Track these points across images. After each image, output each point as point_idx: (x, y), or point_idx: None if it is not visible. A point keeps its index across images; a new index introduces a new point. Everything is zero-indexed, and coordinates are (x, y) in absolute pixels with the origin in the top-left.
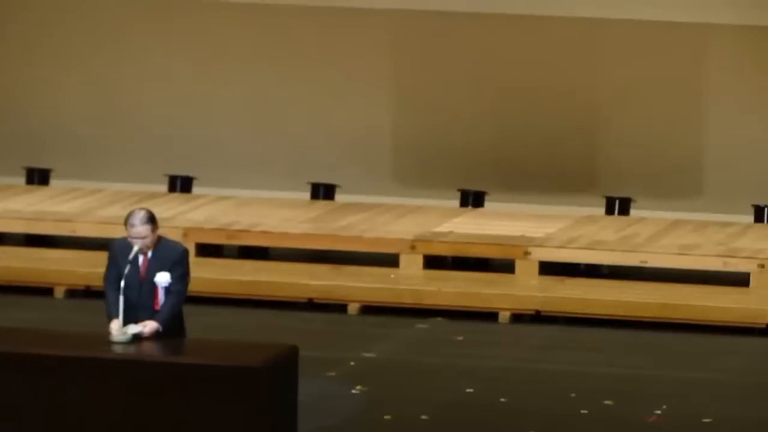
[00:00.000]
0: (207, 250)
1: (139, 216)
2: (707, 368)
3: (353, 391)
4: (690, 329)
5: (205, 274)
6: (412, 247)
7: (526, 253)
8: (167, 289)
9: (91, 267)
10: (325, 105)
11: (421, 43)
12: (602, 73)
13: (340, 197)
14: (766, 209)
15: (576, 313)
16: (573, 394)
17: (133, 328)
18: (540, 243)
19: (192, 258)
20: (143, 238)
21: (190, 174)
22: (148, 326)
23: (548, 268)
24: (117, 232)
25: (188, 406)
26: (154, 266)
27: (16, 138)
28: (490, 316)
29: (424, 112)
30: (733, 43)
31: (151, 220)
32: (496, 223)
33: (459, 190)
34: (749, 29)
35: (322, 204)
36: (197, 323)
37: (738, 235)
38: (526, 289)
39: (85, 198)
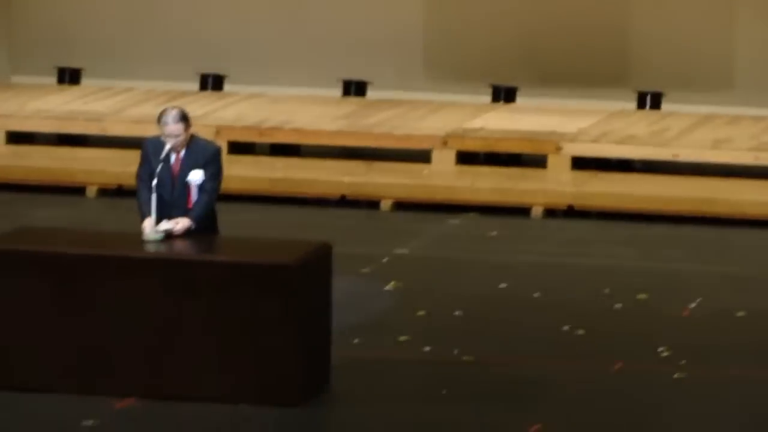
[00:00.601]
0: (239, 148)
1: (172, 114)
2: (740, 262)
3: (386, 288)
4: (723, 223)
5: (238, 172)
6: (444, 143)
7: (558, 148)
8: (200, 188)
9: (123, 166)
10: (357, 1)
11: None
12: None
13: (371, 94)
14: None
15: (609, 208)
16: (607, 289)
17: (166, 226)
18: (572, 138)
19: (224, 156)
20: (176, 136)
21: (222, 72)
22: (181, 223)
23: (580, 163)
24: (149, 131)
25: (222, 304)
26: (187, 165)
27: (48, 38)
28: (523, 211)
29: (456, 7)
30: None
31: (184, 118)
32: (527, 119)
33: (491, 85)
34: None
35: (353, 100)
36: (230, 221)
37: None
38: (559, 184)
39: (117, 97)
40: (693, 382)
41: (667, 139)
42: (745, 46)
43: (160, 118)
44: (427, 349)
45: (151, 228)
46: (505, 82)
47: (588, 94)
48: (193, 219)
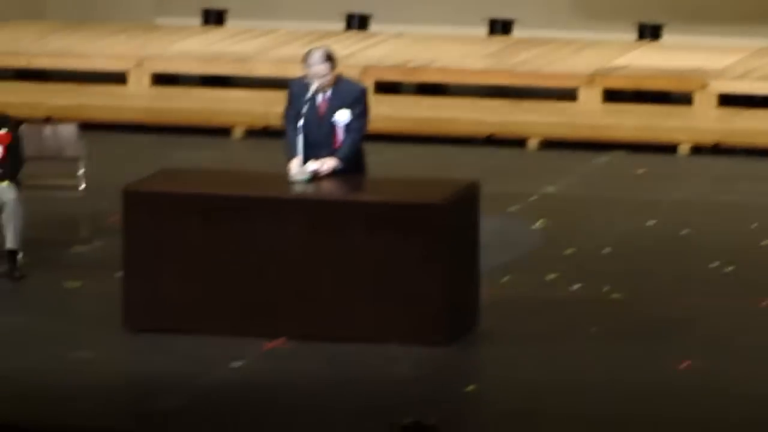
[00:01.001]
0: (385, 88)
1: (318, 54)
2: None
3: (534, 226)
4: None
5: (384, 112)
6: (591, 81)
7: (704, 86)
8: (346, 128)
9: (268, 107)
10: None
11: None
12: None
13: (517, 32)
14: None
15: (756, 145)
16: (754, 225)
17: (312, 166)
18: (718, 75)
19: (370, 96)
20: (321, 76)
21: (367, 11)
22: (327, 164)
23: (726, 100)
24: (294, 71)
25: (370, 243)
26: (333, 105)
27: None
28: (669, 148)
29: None
30: None
31: (330, 58)
32: (673, 56)
33: (636, 23)
34: None
35: (499, 39)
36: (377, 161)
37: None
38: (705, 120)
39: (262, 37)
40: None
41: None
42: None
43: (305, 59)
44: (576, 287)
45: (297, 168)
46: (651, 19)
47: (734, 32)
48: (340, 159)
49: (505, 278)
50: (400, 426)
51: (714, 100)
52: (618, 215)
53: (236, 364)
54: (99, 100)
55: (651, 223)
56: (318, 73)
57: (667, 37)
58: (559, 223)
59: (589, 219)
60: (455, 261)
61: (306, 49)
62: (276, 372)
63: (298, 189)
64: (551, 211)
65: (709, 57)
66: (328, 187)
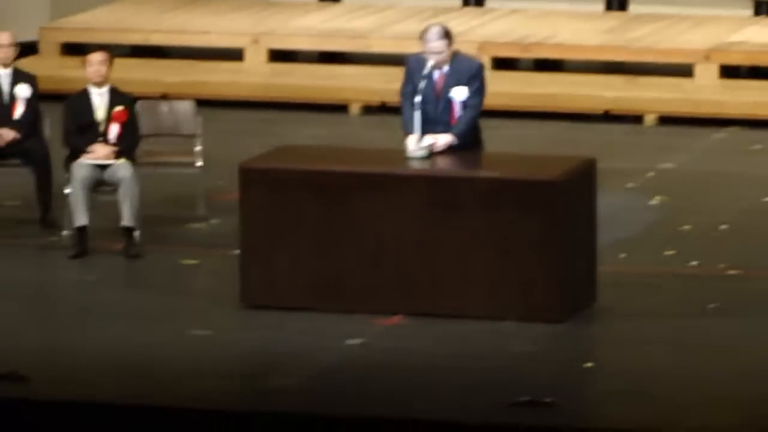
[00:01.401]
0: (502, 64)
1: (435, 31)
2: None
3: (651, 202)
4: None
5: (501, 88)
6: (707, 57)
7: None
8: (463, 104)
9: (386, 83)
10: None
11: None
12: None
13: (633, 8)
14: None
15: None
16: None
17: (427, 140)
18: None
19: (487, 72)
20: (438, 53)
21: None
22: (442, 139)
23: None
24: (412, 48)
25: (486, 219)
26: (450, 81)
27: None
28: None
29: None
30: None
31: (447, 35)
32: None
33: None
34: None
35: (615, 15)
36: (493, 137)
37: None
38: None
39: (379, 14)
40: None
41: None
42: None
43: (422, 35)
44: (693, 263)
45: (414, 144)
46: None
47: None
48: (456, 135)
49: (622, 255)
50: (517, 402)
51: None
52: (735, 191)
53: (353, 341)
54: (216, 77)
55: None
56: (434, 50)
57: None
58: (675, 199)
59: (706, 195)
60: (572, 238)
61: (423, 26)
62: (392, 349)
63: (415, 165)
64: (668, 187)
65: None
66: (445, 164)
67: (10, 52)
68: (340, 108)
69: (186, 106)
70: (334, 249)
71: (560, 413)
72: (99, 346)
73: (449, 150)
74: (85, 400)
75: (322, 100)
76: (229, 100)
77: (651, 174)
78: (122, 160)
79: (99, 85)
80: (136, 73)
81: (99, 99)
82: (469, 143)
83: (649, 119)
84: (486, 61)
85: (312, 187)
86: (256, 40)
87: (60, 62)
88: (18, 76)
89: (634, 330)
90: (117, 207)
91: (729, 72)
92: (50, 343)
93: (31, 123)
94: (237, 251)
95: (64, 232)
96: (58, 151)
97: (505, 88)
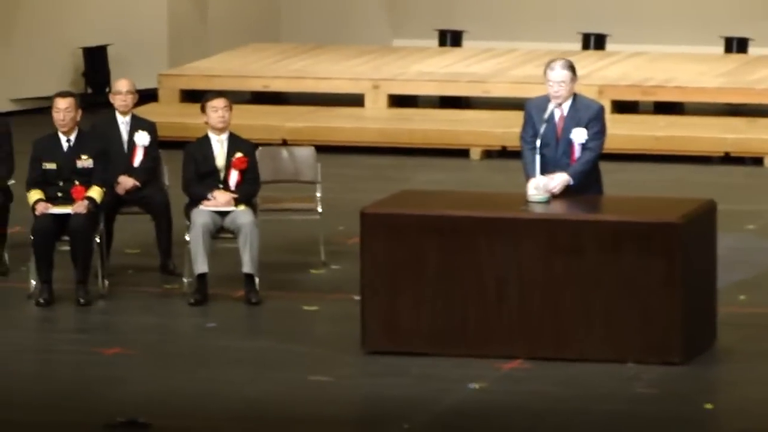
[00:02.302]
0: (622, 107)
1: (560, 62)
2: None
3: None
4: None
5: (621, 131)
6: None
7: None
8: (583, 146)
9: (506, 127)
10: None
11: None
12: None
13: (753, 50)
14: None
15: None
16: None
17: (542, 180)
18: None
19: (607, 115)
20: (560, 82)
21: (604, 31)
22: (557, 179)
23: None
24: (531, 92)
25: (607, 262)
26: (570, 123)
27: (429, 1)
28: None
29: None
30: None
31: (571, 68)
32: None
33: None
34: None
35: (735, 57)
36: (614, 180)
37: None
38: None
39: (499, 58)
40: None
41: None
42: None
43: (547, 66)
44: None
45: (535, 188)
46: None
47: None
48: (571, 174)
49: (742, 296)
50: None
51: None
52: None
53: (474, 385)
54: (336, 123)
55: None
56: (558, 78)
57: None
58: None
59: None
60: (692, 279)
61: (542, 69)
62: (514, 393)
63: (536, 209)
64: None
65: None
66: (566, 207)
67: (129, 100)
68: (461, 153)
69: (306, 153)
70: (455, 293)
71: None
72: (220, 392)
73: (569, 194)
74: None
75: (442, 145)
76: (349, 145)
77: None
78: (242, 207)
79: (219, 131)
80: (257, 119)
81: (219, 146)
82: (588, 186)
83: None
84: (606, 104)
85: (433, 232)
86: (377, 85)
87: (179, 109)
88: (137, 124)
89: (753, 371)
90: (237, 254)
91: None
92: (171, 390)
93: (150, 170)
94: (357, 297)
95: (185, 279)
96: (178, 198)
97: (625, 131)
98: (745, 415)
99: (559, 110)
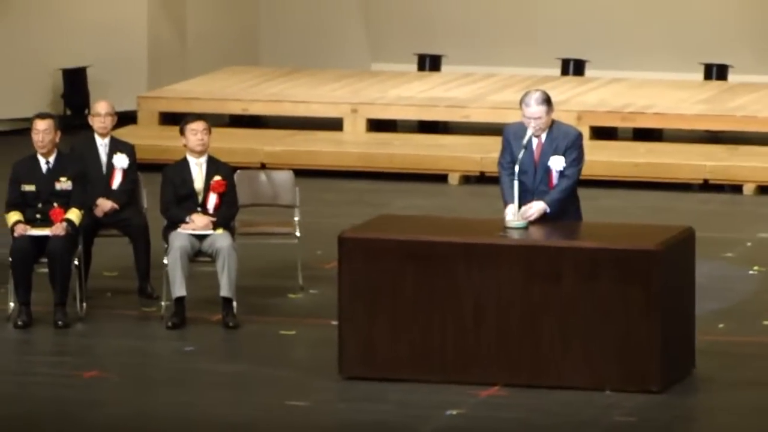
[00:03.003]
0: (601, 133)
1: (535, 96)
2: None
3: (750, 272)
4: None
5: (600, 157)
6: None
7: None
8: (561, 173)
9: (484, 152)
10: None
11: None
12: None
13: (733, 77)
14: None
15: None
16: None
17: (520, 210)
18: None
19: (586, 141)
20: (537, 118)
21: (583, 57)
22: (534, 208)
23: None
24: (510, 117)
25: (586, 289)
26: (548, 150)
27: (408, 25)
28: None
29: None
30: None
31: (547, 101)
32: None
33: None
34: None
35: (715, 84)
36: (592, 206)
37: None
38: None
39: (478, 83)
40: None
41: None
42: None
43: (522, 100)
44: None
45: (513, 215)
46: None
47: None
48: (548, 203)
49: (721, 324)
50: None
51: None
52: None
53: (452, 412)
54: (315, 146)
55: None
56: (533, 115)
57: None
58: None
59: None
60: (671, 306)
61: (520, 95)
62: (492, 420)
63: (514, 235)
64: (767, 257)
65: None
66: (544, 234)
67: (108, 122)
68: (440, 177)
69: (285, 176)
70: (433, 319)
71: None
72: (197, 416)
73: (548, 220)
74: None
75: (421, 169)
76: (328, 169)
77: (750, 243)
78: (220, 231)
79: (198, 154)
80: (235, 143)
81: (198, 169)
82: (567, 213)
83: (749, 188)
84: (585, 130)
85: (411, 257)
86: (355, 109)
87: (158, 132)
88: (116, 146)
89: (732, 399)
90: (215, 277)
91: None
92: (148, 413)
93: (129, 193)
94: (335, 322)
95: (163, 303)
96: (156, 221)
97: (604, 158)
98: None
99: (536, 137)
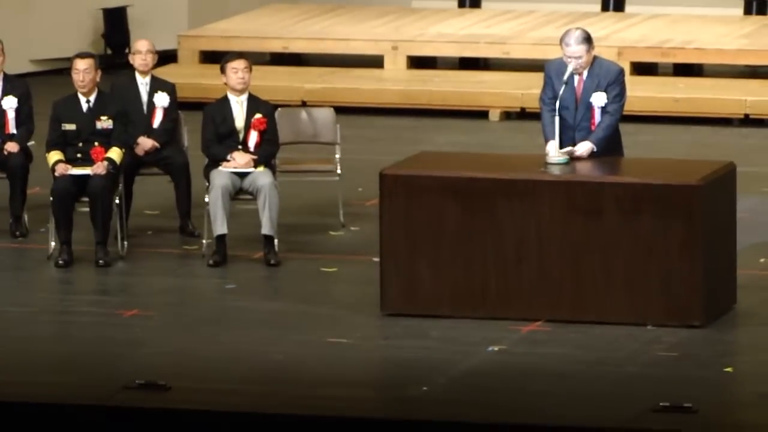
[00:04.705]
0: (641, 69)
1: (575, 36)
2: None
3: None
4: None
5: (640, 93)
6: None
7: None
8: (603, 109)
9: (525, 89)
10: None
11: None
12: None
13: None
14: None
15: None
16: None
17: (567, 150)
18: None
19: (627, 77)
20: (578, 58)
21: None
22: (582, 148)
23: None
24: (551, 53)
25: (626, 224)
26: (590, 86)
27: None
28: None
29: None
30: None
31: (587, 39)
32: None
33: None
34: None
35: (755, 19)
36: (633, 142)
37: None
38: None
39: (518, 19)
40: None
41: None
42: None
43: (562, 39)
44: None
45: (554, 150)
46: None
47: None
48: (595, 142)
49: (762, 259)
50: (657, 408)
51: None
52: None
53: (493, 348)
54: (355, 84)
55: None
56: (574, 54)
57: None
58: None
59: None
60: (712, 242)
61: (561, 31)
62: (532, 355)
63: (555, 171)
64: None
65: None
66: (585, 169)
67: (149, 59)
68: (480, 114)
69: (325, 114)
70: (475, 256)
71: (701, 418)
72: (238, 354)
73: (590, 156)
74: (225, 409)
75: (461, 106)
76: (368, 107)
77: None
78: (261, 168)
79: (239, 93)
80: (276, 80)
81: (238, 107)
82: (609, 148)
83: None
84: (625, 66)
85: (452, 194)
86: (396, 47)
87: (199, 70)
88: (157, 85)
89: None
90: (256, 215)
91: None
92: (190, 352)
93: (169, 131)
94: (377, 259)
95: (204, 241)
96: (197, 160)
97: (645, 93)
98: (765, 378)
99: (578, 75)
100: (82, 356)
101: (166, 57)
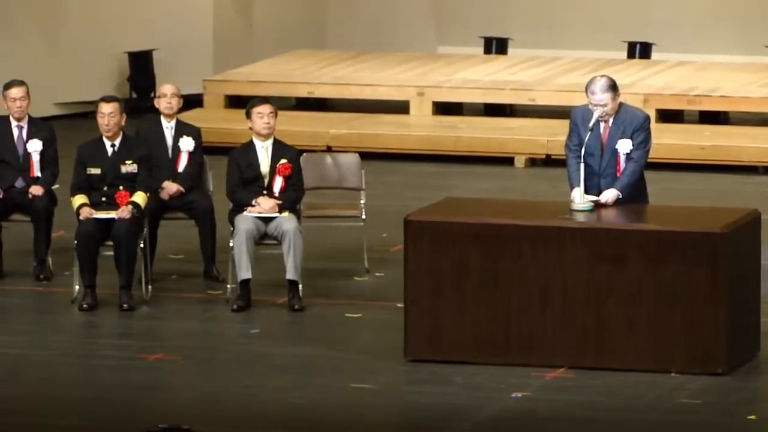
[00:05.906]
0: (667, 116)
1: (600, 83)
2: None
3: None
4: None
5: (666, 140)
6: None
7: None
8: (628, 156)
9: (551, 135)
10: None
11: None
12: None
13: None
14: None
15: None
16: None
17: (592, 198)
18: None
19: (653, 124)
20: (603, 105)
21: (649, 40)
22: (608, 196)
23: None
24: (576, 100)
25: (650, 271)
26: (615, 133)
27: (474, 8)
28: None
29: None
30: None
31: (612, 87)
32: None
33: None
34: None
35: None
36: (658, 189)
37: None
38: None
39: (544, 66)
40: None
41: None
42: None
43: (587, 87)
44: None
45: (580, 197)
46: None
47: None
48: (620, 189)
49: None
50: None
51: None
52: None
53: (517, 394)
54: (380, 129)
55: None
56: (599, 102)
57: None
58: None
59: None
60: (736, 289)
61: (587, 78)
62: (557, 402)
63: (580, 218)
64: None
65: None
66: (610, 216)
67: (175, 103)
68: (506, 160)
69: (350, 159)
70: (499, 302)
71: None
72: (262, 398)
73: (614, 203)
74: None
75: (487, 152)
76: (393, 152)
77: None
78: (286, 213)
79: (264, 137)
80: (301, 126)
81: (264, 152)
82: (634, 195)
83: None
84: (651, 113)
85: (477, 240)
86: (421, 92)
87: (224, 115)
88: (182, 129)
89: None
90: (280, 260)
91: None
92: (213, 396)
93: (195, 176)
94: (401, 304)
95: (228, 286)
96: (222, 204)
97: (670, 141)
98: None
99: (604, 122)
100: (106, 400)
101: (192, 101)
